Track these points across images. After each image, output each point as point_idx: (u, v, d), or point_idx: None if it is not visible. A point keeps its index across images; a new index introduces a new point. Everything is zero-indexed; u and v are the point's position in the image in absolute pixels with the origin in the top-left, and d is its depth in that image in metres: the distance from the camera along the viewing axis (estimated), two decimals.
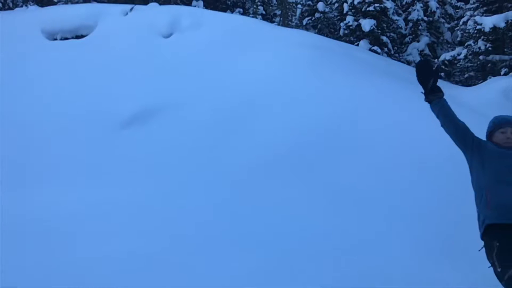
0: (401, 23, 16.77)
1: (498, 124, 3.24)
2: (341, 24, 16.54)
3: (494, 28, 11.06)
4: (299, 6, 19.88)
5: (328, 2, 18.50)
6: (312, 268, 3.68)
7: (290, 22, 21.09)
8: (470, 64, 12.93)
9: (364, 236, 4.29)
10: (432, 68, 3.20)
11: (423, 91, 3.20)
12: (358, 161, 5.45)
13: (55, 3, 16.67)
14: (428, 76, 3.17)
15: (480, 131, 6.16)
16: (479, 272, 3.38)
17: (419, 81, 3.20)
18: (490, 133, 3.30)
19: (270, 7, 23.10)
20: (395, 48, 16.63)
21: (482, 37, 11.72)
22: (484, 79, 11.54)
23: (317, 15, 18.62)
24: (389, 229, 4.39)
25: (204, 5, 16.60)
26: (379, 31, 15.76)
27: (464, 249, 3.97)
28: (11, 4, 16.63)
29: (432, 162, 5.38)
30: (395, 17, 16.37)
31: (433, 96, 3.20)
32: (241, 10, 19.42)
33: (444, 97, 3.19)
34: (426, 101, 3.24)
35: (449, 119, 3.21)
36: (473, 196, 3.27)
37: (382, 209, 4.67)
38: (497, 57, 11.91)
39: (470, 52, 12.35)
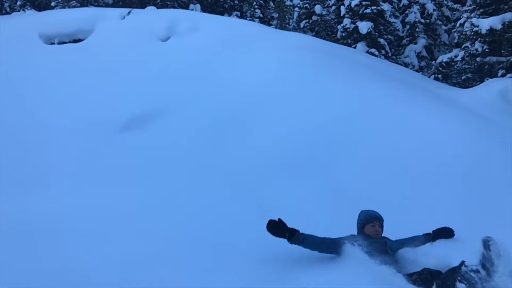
0: (398, 25, 16.84)
1: (368, 219, 3.98)
2: (339, 26, 16.59)
3: (491, 30, 11.06)
4: (296, 9, 19.96)
5: (326, 5, 18.58)
6: (312, 269, 3.68)
7: (287, 25, 21.15)
8: (467, 66, 12.95)
9: None
10: (277, 223, 3.69)
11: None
12: (357, 163, 5.45)
13: (52, 8, 16.69)
14: (279, 230, 3.69)
15: (478, 131, 6.19)
16: None
17: (275, 236, 3.69)
18: (362, 226, 4.00)
19: (268, 10, 23.16)
20: (393, 50, 16.69)
21: (479, 39, 11.73)
22: (481, 81, 11.55)
23: (314, 18, 18.70)
24: (387, 228, 4.39)
25: (201, 9, 16.64)
26: (377, 33, 15.82)
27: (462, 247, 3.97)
28: (8, 9, 16.65)
29: (431, 163, 5.39)
30: (392, 20, 16.43)
31: (293, 239, 3.69)
32: (238, 13, 19.48)
33: (301, 231, 3.71)
34: (291, 243, 3.70)
35: (315, 246, 3.77)
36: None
37: (381, 210, 4.68)
38: (494, 58, 11.92)
39: (467, 54, 12.36)
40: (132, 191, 5.13)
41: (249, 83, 7.18)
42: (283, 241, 3.71)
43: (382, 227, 4.00)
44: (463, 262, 3.27)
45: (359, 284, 3.28)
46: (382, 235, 3.98)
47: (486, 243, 3.40)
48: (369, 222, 3.97)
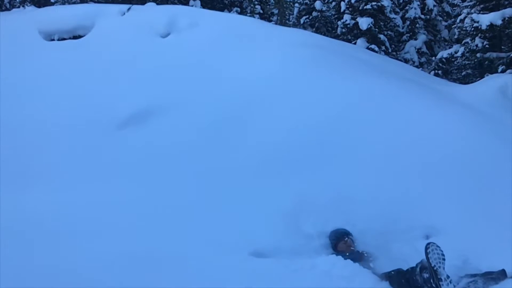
0: (398, 21, 16.82)
1: (339, 237, 4.29)
2: (339, 22, 16.57)
3: (491, 26, 11.01)
4: (296, 5, 19.91)
5: (326, 1, 18.53)
6: (313, 269, 3.70)
7: (287, 21, 21.11)
8: (467, 62, 12.93)
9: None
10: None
11: None
12: (358, 159, 5.46)
13: (52, 4, 16.63)
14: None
15: (477, 128, 6.19)
16: None
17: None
18: (335, 244, 4.28)
19: (268, 6, 23.08)
20: (393, 46, 16.66)
21: (479, 34, 11.68)
22: (481, 77, 11.55)
23: (314, 13, 18.66)
24: (389, 225, 4.42)
25: (201, 5, 16.57)
26: (377, 29, 15.79)
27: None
28: (8, 5, 16.60)
29: (430, 159, 5.40)
30: (392, 15, 16.41)
31: None
32: (238, 9, 19.38)
33: None
34: None
35: None
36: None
37: (381, 207, 4.69)
38: (494, 54, 11.89)
39: (467, 49, 12.32)
40: (131, 189, 5.13)
41: (249, 79, 7.17)
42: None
43: (352, 241, 4.30)
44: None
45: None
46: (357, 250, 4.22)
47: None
48: (341, 239, 4.28)
